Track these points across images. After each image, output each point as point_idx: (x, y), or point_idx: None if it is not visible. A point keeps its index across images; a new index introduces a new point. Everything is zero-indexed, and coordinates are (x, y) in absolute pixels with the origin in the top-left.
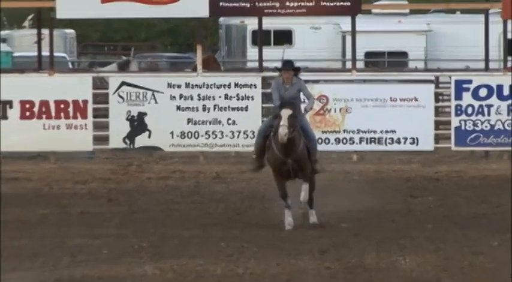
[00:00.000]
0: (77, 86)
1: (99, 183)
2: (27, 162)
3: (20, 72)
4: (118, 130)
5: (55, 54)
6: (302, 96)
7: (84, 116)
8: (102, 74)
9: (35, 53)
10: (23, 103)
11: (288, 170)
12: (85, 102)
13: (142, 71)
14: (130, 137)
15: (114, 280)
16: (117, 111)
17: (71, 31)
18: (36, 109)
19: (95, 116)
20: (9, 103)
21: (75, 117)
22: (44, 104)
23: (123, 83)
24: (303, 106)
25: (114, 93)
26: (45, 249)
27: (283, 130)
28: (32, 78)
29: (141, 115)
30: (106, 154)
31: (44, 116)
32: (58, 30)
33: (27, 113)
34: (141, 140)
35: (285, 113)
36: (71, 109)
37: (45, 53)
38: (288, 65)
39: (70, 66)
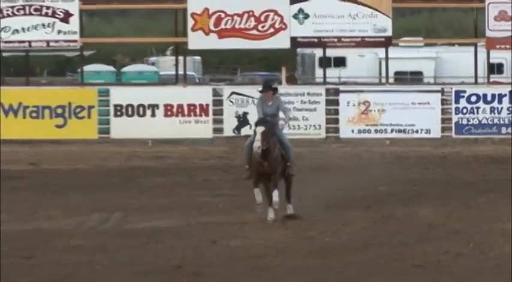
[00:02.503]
0: (201, 94)
1: (217, 160)
2: (168, 146)
3: (163, 85)
4: (229, 124)
5: (187, 73)
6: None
7: (206, 114)
8: (219, 86)
9: (174, 72)
10: (165, 106)
11: (264, 172)
12: (207, 105)
13: (245, 84)
14: (238, 128)
15: (228, 225)
16: (228, 111)
17: (198, 57)
18: (174, 110)
19: (213, 115)
20: (157, 106)
21: (200, 115)
22: (180, 106)
23: (233, 92)
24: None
25: (227, 99)
26: (179, 205)
27: (256, 144)
28: (171, 89)
29: (245, 114)
30: (221, 140)
31: (179, 115)
32: (189, 57)
33: (169, 113)
34: (244, 130)
35: (259, 130)
36: (198, 110)
37: (181, 72)
38: (267, 87)
39: (197, 81)
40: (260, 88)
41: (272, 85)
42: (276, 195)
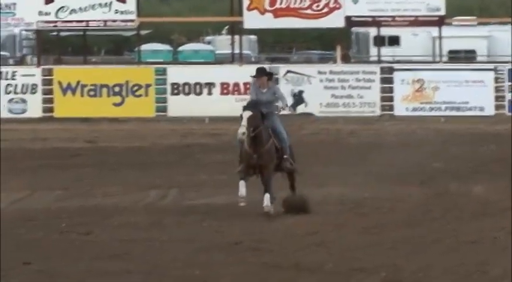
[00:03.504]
0: None
1: None
2: (224, 123)
3: (220, 64)
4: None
5: (243, 52)
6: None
7: None
8: (274, 65)
9: (230, 51)
10: (222, 84)
11: (254, 165)
12: None
13: (301, 63)
14: (294, 106)
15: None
16: (284, 90)
17: (253, 36)
18: (230, 88)
19: None
20: (213, 84)
21: None
22: (236, 85)
23: (288, 71)
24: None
25: (282, 77)
26: (235, 181)
27: (240, 130)
28: (228, 67)
29: (300, 92)
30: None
31: (236, 93)
32: (245, 36)
33: (225, 91)
34: (300, 108)
35: (245, 114)
36: None
37: (237, 51)
38: (260, 73)
39: (253, 59)
40: (253, 74)
41: (266, 70)
42: (266, 199)
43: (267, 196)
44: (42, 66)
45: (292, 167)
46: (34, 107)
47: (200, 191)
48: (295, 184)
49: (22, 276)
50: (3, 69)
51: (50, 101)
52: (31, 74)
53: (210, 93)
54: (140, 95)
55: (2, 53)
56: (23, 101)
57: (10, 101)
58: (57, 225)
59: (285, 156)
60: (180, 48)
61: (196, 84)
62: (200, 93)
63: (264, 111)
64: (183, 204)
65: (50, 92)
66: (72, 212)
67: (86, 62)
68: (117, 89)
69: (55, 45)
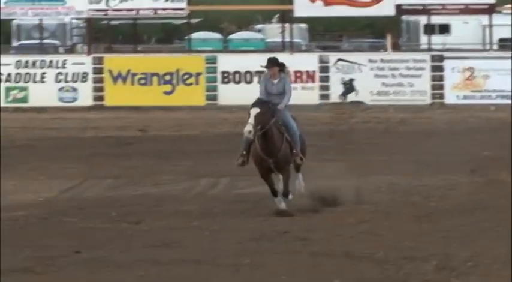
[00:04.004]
0: (308, 61)
1: (323, 126)
2: None
3: (270, 52)
4: (335, 90)
5: (294, 40)
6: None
7: (313, 81)
8: (325, 53)
9: (280, 40)
10: None
11: (269, 167)
12: (314, 72)
13: (351, 51)
14: (344, 94)
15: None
16: (335, 78)
17: (304, 25)
18: None
19: (320, 81)
20: (263, 73)
21: (307, 81)
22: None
23: (339, 59)
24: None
25: (333, 66)
26: None
27: (247, 128)
28: (278, 56)
29: (351, 80)
30: (327, 106)
31: None
32: (295, 24)
33: None
34: (351, 97)
35: (253, 111)
36: (304, 76)
37: (287, 39)
38: (271, 63)
39: (303, 48)
40: (264, 64)
41: (278, 61)
42: (283, 203)
43: (281, 200)
44: (93, 55)
45: (301, 163)
46: (84, 96)
47: (251, 180)
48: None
49: (73, 264)
50: (54, 57)
51: (101, 89)
52: (81, 62)
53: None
54: (191, 84)
55: (52, 41)
56: (74, 89)
57: (60, 89)
58: (108, 214)
59: (294, 151)
60: (231, 37)
61: (246, 72)
62: (250, 82)
63: (273, 103)
64: (234, 193)
65: (101, 80)
66: (123, 200)
67: (137, 51)
68: (167, 77)
69: (105, 34)
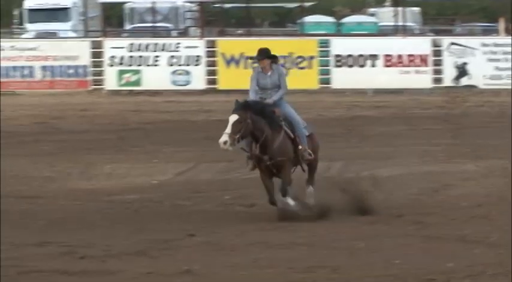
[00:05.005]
0: (421, 45)
1: (436, 109)
2: (388, 95)
3: (383, 36)
4: (448, 74)
5: (406, 24)
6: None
7: (426, 65)
8: (438, 37)
9: (393, 23)
10: (385, 56)
11: (267, 167)
12: (426, 55)
13: (464, 35)
14: (457, 78)
15: (448, 174)
16: (448, 62)
17: (416, 8)
18: (394, 60)
19: (433, 65)
20: (376, 56)
21: (420, 65)
22: (400, 57)
23: (452, 43)
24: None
25: (446, 49)
26: (399, 153)
27: (222, 138)
28: (391, 40)
29: (464, 64)
30: (440, 90)
31: (399, 65)
32: (408, 8)
33: (388, 63)
34: (464, 81)
35: (231, 119)
36: (417, 60)
37: (400, 23)
38: (262, 54)
39: (416, 32)
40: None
41: (269, 52)
42: (288, 204)
43: (286, 202)
44: (206, 38)
45: (311, 157)
46: (197, 79)
47: (364, 163)
48: (314, 177)
49: (187, 248)
50: (167, 41)
51: (214, 72)
52: (195, 45)
53: (373, 65)
54: (304, 67)
55: (165, 25)
56: (187, 72)
57: (174, 72)
58: (221, 197)
59: (300, 147)
60: (344, 20)
61: (359, 56)
62: (363, 66)
63: (269, 97)
64: (347, 176)
65: (214, 64)
66: (236, 184)
67: (249, 34)
68: (280, 60)
69: (218, 17)
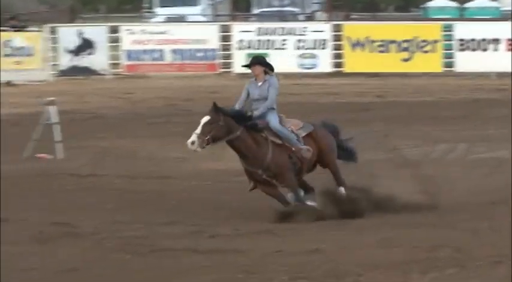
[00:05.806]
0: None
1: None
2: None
3: (505, 20)
4: None
5: None
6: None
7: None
8: None
9: None
10: (507, 40)
11: (264, 179)
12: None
13: None
14: None
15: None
16: None
17: None
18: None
19: None
20: (499, 40)
21: None
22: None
23: None
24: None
25: None
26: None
27: (190, 139)
28: (508, 24)
29: None
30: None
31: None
32: None
33: (510, 47)
34: None
35: (203, 120)
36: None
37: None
38: (255, 61)
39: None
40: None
41: (263, 60)
42: (306, 204)
43: (304, 205)
44: (332, 22)
45: (310, 152)
46: (324, 62)
47: (488, 145)
48: (340, 177)
49: (312, 227)
50: (294, 25)
51: (339, 56)
52: (321, 30)
53: (495, 49)
54: (427, 51)
55: (292, 9)
56: (313, 56)
57: (301, 55)
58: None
59: (294, 149)
60: (467, 5)
61: (482, 40)
62: (486, 49)
63: (254, 109)
64: (471, 158)
65: (340, 47)
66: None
67: (375, 18)
68: (405, 44)
69: (344, 2)
